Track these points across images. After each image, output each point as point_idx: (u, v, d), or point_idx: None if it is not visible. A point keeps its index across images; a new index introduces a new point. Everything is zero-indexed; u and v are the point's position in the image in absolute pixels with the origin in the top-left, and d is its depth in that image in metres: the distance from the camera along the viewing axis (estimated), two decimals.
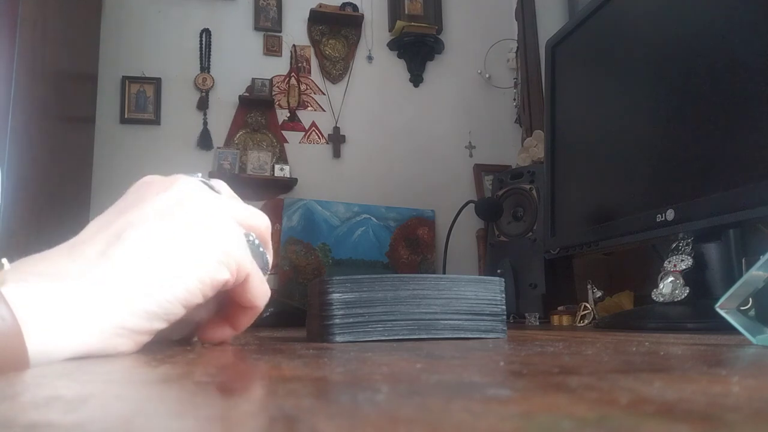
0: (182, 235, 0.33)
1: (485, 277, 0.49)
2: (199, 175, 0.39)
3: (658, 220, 0.74)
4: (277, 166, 2.34)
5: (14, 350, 0.25)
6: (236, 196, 0.41)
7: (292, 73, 2.46)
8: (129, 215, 0.33)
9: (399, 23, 2.51)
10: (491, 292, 0.48)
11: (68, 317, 0.28)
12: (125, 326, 0.30)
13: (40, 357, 0.26)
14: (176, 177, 0.37)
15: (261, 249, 0.39)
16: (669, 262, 0.74)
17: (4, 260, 0.27)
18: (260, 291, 0.38)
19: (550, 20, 2.11)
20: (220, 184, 0.40)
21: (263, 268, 0.39)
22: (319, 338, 0.44)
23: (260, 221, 0.39)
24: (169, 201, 0.34)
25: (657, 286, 0.74)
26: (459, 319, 0.46)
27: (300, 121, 2.46)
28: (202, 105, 2.37)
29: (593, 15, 0.97)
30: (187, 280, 0.32)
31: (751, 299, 0.33)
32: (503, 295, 0.48)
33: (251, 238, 0.38)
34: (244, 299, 0.37)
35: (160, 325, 0.32)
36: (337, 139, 2.42)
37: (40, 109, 1.62)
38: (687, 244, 0.73)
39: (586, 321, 0.93)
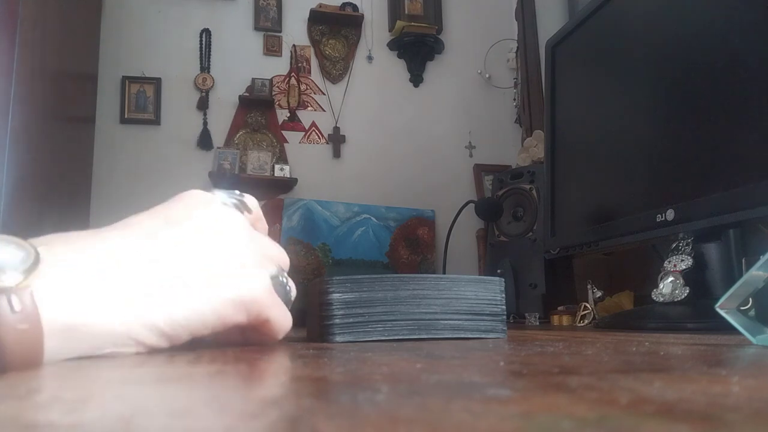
0: (212, 268, 0.33)
1: (485, 277, 0.48)
2: (237, 192, 0.40)
3: (658, 220, 0.74)
4: (277, 166, 2.34)
5: (32, 352, 0.26)
6: (263, 217, 0.42)
7: (292, 73, 2.47)
8: (173, 231, 0.34)
9: (399, 23, 2.51)
10: (491, 292, 0.48)
11: (88, 321, 0.28)
12: (134, 337, 0.30)
13: (52, 357, 0.27)
14: (217, 202, 0.37)
15: (288, 287, 0.39)
16: (669, 262, 0.74)
17: (41, 249, 0.27)
18: (278, 329, 0.38)
19: (550, 20, 2.11)
20: (252, 202, 0.41)
21: (287, 302, 0.39)
22: (319, 338, 0.44)
23: (286, 258, 0.40)
24: (210, 229, 0.35)
25: (657, 286, 0.74)
26: (459, 319, 0.46)
27: (300, 121, 2.46)
28: (202, 105, 2.37)
29: (593, 15, 0.97)
30: (205, 312, 0.33)
31: (751, 299, 0.33)
32: (503, 295, 0.48)
33: (281, 279, 0.38)
34: (261, 331, 0.38)
35: (164, 344, 0.32)
36: (337, 139, 2.42)
37: (40, 109, 1.62)
38: (687, 244, 0.73)
39: (586, 321, 0.93)
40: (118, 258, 0.31)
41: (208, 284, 0.33)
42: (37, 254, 0.27)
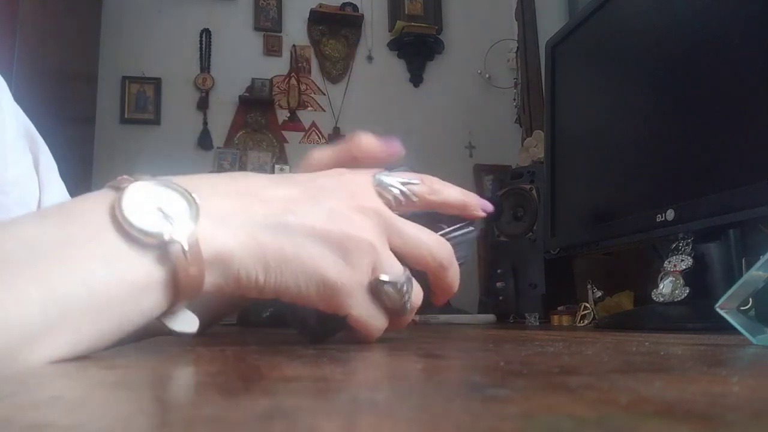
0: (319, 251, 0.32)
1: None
2: (404, 179, 0.38)
3: (658, 220, 0.74)
4: (277, 167, 2.34)
5: (196, 289, 0.29)
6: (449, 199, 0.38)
7: (292, 73, 2.47)
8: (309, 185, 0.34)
9: (399, 23, 2.51)
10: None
11: (229, 254, 0.30)
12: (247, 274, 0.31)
13: (207, 289, 0.30)
14: (370, 188, 0.35)
15: (404, 299, 0.35)
16: (669, 262, 0.74)
17: (195, 196, 0.29)
18: (362, 328, 0.35)
19: (550, 20, 2.11)
20: (425, 186, 0.38)
21: (400, 310, 0.35)
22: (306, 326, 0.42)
23: (426, 253, 0.36)
24: (335, 227, 0.32)
25: (657, 286, 0.74)
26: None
27: (300, 121, 2.47)
28: (202, 105, 2.37)
29: (593, 15, 0.97)
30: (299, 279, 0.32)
31: (751, 299, 0.33)
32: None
33: (399, 287, 0.34)
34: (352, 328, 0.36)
35: (254, 290, 0.31)
36: (337, 139, 2.42)
37: (40, 109, 1.62)
38: (687, 244, 0.73)
39: (586, 321, 0.93)
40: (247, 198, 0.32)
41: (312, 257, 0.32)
42: (197, 204, 0.29)
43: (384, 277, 0.34)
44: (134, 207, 0.28)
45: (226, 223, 0.30)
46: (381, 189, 0.36)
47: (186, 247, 0.28)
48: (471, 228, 0.41)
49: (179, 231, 0.28)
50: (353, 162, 0.40)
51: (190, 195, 0.29)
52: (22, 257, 0.25)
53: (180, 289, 0.28)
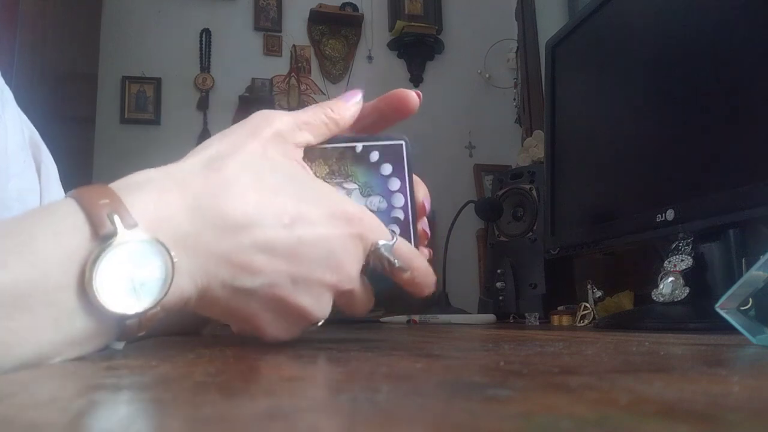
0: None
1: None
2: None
3: (658, 220, 0.74)
4: None
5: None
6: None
7: (292, 73, 2.46)
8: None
9: (399, 23, 2.51)
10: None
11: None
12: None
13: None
14: (359, 259, 0.35)
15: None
16: (669, 262, 0.74)
17: (174, 254, 0.28)
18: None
19: (550, 20, 2.11)
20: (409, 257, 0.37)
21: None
22: None
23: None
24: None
25: (657, 286, 0.74)
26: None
27: None
28: (202, 105, 2.37)
29: (593, 15, 0.97)
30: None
31: (751, 299, 0.33)
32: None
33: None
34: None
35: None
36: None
37: (40, 109, 1.62)
38: (687, 244, 0.73)
39: (586, 321, 0.93)
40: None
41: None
42: (173, 269, 0.27)
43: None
44: (106, 280, 0.26)
45: (193, 276, 0.29)
46: (374, 254, 0.35)
47: (142, 323, 0.27)
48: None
49: (142, 306, 0.27)
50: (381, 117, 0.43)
51: (169, 255, 0.27)
52: None
53: (120, 338, 0.28)
